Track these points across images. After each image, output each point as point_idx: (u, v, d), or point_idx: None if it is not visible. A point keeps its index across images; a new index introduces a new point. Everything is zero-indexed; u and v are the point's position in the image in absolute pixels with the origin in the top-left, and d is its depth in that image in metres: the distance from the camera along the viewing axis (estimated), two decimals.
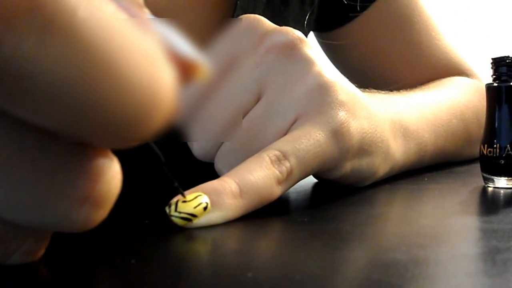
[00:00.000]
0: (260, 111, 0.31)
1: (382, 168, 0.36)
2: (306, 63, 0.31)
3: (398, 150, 0.38)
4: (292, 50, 0.31)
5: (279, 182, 0.28)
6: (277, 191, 0.28)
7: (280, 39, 0.32)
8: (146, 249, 0.24)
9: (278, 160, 0.28)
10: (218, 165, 0.32)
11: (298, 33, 0.32)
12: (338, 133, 0.31)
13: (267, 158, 0.28)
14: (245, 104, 0.31)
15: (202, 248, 0.24)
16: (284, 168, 0.28)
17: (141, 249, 0.24)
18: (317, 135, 0.30)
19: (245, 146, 0.30)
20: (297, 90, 0.31)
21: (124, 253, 0.23)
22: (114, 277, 0.20)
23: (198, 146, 0.31)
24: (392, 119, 0.38)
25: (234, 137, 0.30)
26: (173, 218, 0.26)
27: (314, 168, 0.30)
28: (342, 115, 0.31)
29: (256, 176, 0.27)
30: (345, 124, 0.31)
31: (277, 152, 0.29)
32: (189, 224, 0.26)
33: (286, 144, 0.29)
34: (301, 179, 0.30)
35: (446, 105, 0.47)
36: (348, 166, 0.33)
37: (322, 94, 0.31)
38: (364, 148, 0.33)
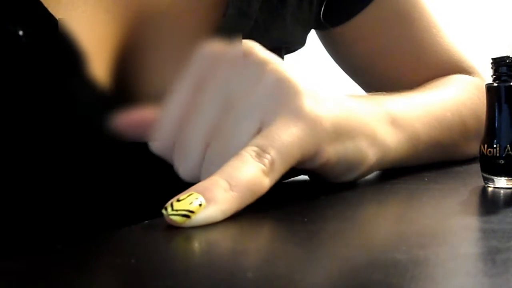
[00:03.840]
0: (229, 121, 0.31)
1: (371, 153, 0.36)
2: (260, 64, 0.32)
3: (387, 136, 0.38)
4: (245, 58, 0.32)
5: (265, 173, 0.29)
6: (265, 182, 0.29)
7: (231, 54, 0.33)
8: (146, 249, 0.24)
9: (258, 155, 0.29)
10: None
11: (248, 42, 0.33)
12: (307, 119, 0.31)
13: (247, 154, 0.29)
14: (217, 122, 0.32)
15: (202, 248, 0.24)
16: (266, 160, 0.29)
17: (141, 249, 0.24)
18: (288, 125, 0.31)
19: (223, 157, 0.31)
20: (257, 91, 0.32)
21: (124, 253, 0.23)
22: (114, 277, 0.20)
23: (183, 169, 0.32)
24: (375, 109, 0.38)
25: (212, 153, 0.31)
26: (172, 217, 0.26)
27: (295, 156, 0.31)
28: (306, 101, 0.32)
29: (241, 170, 0.28)
30: (311, 109, 0.32)
31: (255, 148, 0.29)
32: (189, 222, 0.26)
33: (260, 139, 0.30)
34: (286, 169, 0.31)
35: (440, 101, 0.47)
36: (331, 150, 0.33)
37: (281, 88, 0.32)
38: (342, 132, 0.34)
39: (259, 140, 0.30)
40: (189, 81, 0.33)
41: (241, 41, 0.33)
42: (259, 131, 0.31)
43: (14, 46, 0.34)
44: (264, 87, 0.32)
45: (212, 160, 0.31)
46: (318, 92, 0.33)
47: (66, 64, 0.36)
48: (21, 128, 0.36)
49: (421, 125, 0.42)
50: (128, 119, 0.34)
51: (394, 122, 0.39)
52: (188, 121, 0.32)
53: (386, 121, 0.39)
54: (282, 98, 0.31)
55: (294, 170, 0.37)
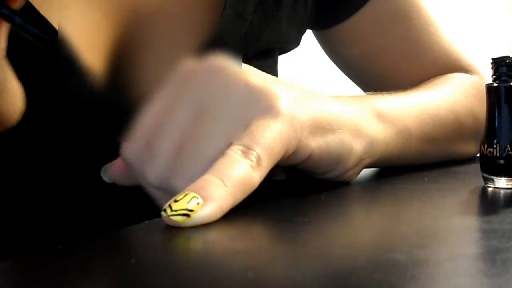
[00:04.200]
0: (202, 127, 0.32)
1: (357, 144, 0.36)
2: (232, 73, 0.33)
3: (372, 128, 0.38)
4: (218, 70, 0.33)
5: (254, 168, 0.29)
6: (255, 176, 0.29)
7: (204, 68, 0.33)
8: (146, 249, 0.24)
9: (244, 153, 0.30)
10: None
11: (219, 56, 0.34)
12: (283, 116, 0.32)
13: (234, 153, 0.29)
14: (189, 127, 0.32)
15: (202, 248, 0.25)
16: (252, 156, 0.30)
17: (141, 249, 0.24)
18: (267, 123, 0.31)
19: (195, 160, 0.31)
20: (231, 98, 0.32)
21: (124, 253, 0.23)
22: (114, 277, 0.20)
23: (150, 169, 0.32)
24: (359, 105, 0.39)
25: (184, 155, 0.31)
26: (172, 218, 0.26)
27: (279, 151, 0.31)
28: (280, 101, 0.32)
29: (232, 167, 0.29)
30: (286, 107, 0.32)
31: (240, 147, 0.30)
32: (189, 221, 0.26)
33: (244, 139, 0.30)
34: (273, 164, 0.31)
35: (433, 99, 0.47)
36: (312, 144, 0.34)
37: (254, 92, 0.32)
38: (321, 126, 0.34)
39: (243, 139, 0.30)
40: (165, 93, 0.33)
41: (213, 56, 0.34)
42: (234, 134, 0.31)
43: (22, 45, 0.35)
44: (237, 94, 0.32)
45: (184, 162, 0.31)
46: (293, 92, 0.34)
47: (61, 63, 0.36)
48: (20, 128, 0.36)
49: (412, 121, 0.42)
50: (116, 168, 0.34)
51: (381, 117, 0.40)
52: (161, 126, 0.32)
53: (370, 115, 0.39)
54: (256, 102, 0.32)
55: (289, 171, 0.37)
